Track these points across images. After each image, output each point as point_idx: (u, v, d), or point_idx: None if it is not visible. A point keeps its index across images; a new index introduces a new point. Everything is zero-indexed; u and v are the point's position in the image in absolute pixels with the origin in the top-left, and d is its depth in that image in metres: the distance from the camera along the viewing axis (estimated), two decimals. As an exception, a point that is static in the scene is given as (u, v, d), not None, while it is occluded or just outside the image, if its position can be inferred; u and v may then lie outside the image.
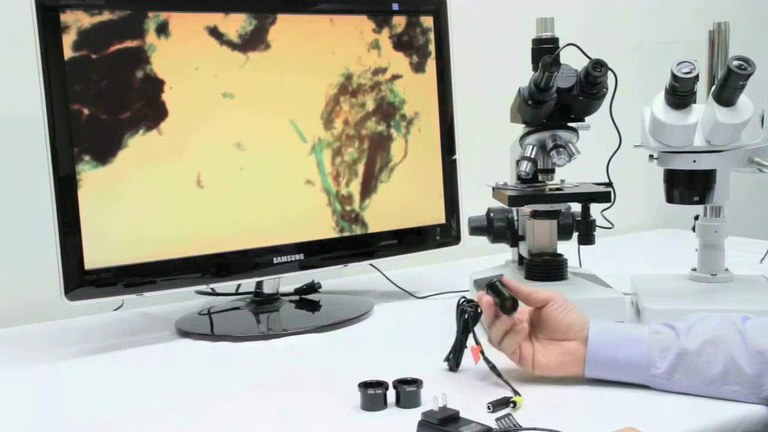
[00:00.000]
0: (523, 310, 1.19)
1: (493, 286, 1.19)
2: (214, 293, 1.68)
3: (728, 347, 1.09)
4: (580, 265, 1.65)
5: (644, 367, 1.12)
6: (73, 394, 1.24)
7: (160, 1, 1.42)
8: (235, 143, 1.48)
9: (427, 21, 1.68)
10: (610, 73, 1.39)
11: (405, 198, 1.67)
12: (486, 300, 1.17)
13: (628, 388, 1.14)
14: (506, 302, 1.16)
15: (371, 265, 1.75)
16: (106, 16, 1.36)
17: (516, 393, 1.11)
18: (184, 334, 1.49)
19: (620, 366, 1.13)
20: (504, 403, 1.08)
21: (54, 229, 1.33)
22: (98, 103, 1.36)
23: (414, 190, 1.68)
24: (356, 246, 1.63)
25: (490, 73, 2.01)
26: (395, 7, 1.64)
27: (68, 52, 1.33)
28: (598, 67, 1.37)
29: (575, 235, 1.49)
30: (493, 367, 1.16)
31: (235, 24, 1.47)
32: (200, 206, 1.46)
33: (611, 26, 2.33)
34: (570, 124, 1.45)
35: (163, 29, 1.41)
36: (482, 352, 1.17)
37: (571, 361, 1.16)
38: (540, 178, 1.48)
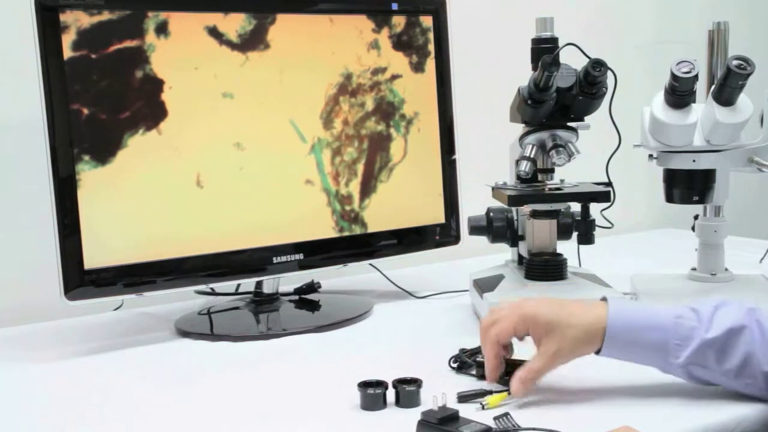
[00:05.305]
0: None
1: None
2: (213, 293, 1.68)
3: (748, 340, 1.07)
4: (580, 265, 1.65)
5: (663, 354, 1.10)
6: (74, 393, 1.23)
7: (160, 1, 1.42)
8: (234, 143, 1.48)
9: (427, 21, 1.68)
10: (609, 73, 1.39)
11: (404, 198, 1.67)
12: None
13: (628, 388, 1.13)
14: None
15: (371, 264, 1.75)
16: (105, 16, 1.36)
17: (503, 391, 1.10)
18: (184, 333, 1.49)
19: (639, 350, 1.11)
20: (477, 395, 1.09)
21: (54, 229, 1.33)
22: (98, 103, 1.36)
23: (413, 189, 1.68)
24: (356, 246, 1.63)
25: (490, 73, 2.01)
26: (395, 6, 1.64)
27: (68, 52, 1.33)
28: (597, 66, 1.37)
29: (575, 234, 1.49)
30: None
31: (235, 24, 1.47)
32: (200, 206, 1.46)
33: (611, 26, 2.33)
34: (570, 124, 1.45)
35: (162, 29, 1.41)
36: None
37: (583, 350, 1.13)
38: (539, 177, 1.48)
